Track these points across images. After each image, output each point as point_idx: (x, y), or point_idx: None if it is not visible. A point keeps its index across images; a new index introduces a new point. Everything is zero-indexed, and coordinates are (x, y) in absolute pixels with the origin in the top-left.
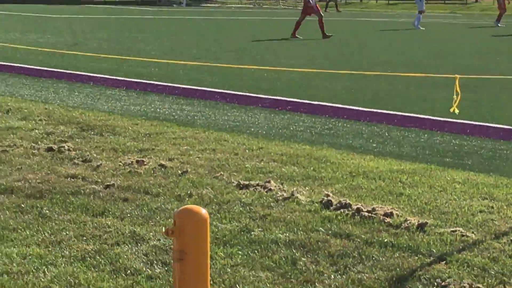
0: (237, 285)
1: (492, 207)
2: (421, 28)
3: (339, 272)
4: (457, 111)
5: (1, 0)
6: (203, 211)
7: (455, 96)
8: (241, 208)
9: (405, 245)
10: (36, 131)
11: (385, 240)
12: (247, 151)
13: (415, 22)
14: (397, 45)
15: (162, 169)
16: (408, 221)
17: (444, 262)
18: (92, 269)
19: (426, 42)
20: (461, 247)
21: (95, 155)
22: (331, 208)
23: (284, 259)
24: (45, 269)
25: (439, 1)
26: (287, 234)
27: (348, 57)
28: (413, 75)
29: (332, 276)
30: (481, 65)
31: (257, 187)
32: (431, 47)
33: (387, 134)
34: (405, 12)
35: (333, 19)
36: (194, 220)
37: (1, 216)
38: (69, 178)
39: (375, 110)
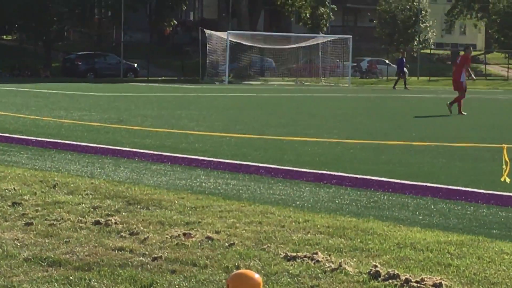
0: None
1: None
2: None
3: None
4: (508, 180)
5: (50, 80)
6: (257, 276)
7: (504, 166)
8: (289, 279)
9: None
10: (83, 205)
11: None
12: (293, 223)
13: None
14: (439, 119)
15: (209, 241)
16: None
17: None
18: None
19: (470, 116)
20: None
21: (142, 228)
22: (380, 279)
23: None
24: None
25: (481, 77)
26: None
27: (396, 130)
28: (458, 145)
29: None
30: None
31: (304, 258)
32: (475, 120)
33: (432, 207)
34: (446, 88)
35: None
36: (248, 284)
37: None
38: (116, 251)
39: (419, 184)
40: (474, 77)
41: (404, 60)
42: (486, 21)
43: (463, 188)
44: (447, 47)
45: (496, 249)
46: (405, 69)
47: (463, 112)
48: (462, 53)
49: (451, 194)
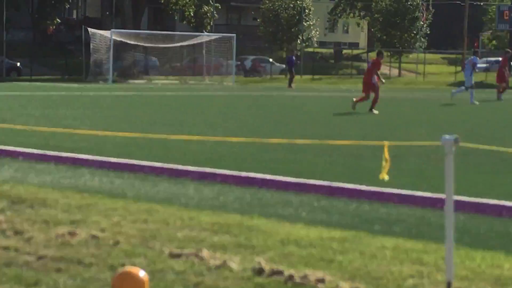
0: None
1: (422, 272)
2: (476, 102)
3: None
4: (386, 177)
5: None
6: (142, 273)
7: (384, 163)
8: (174, 277)
9: None
10: None
11: None
12: (178, 221)
13: (470, 99)
14: (323, 117)
15: (94, 240)
16: (340, 287)
17: None
18: None
19: (352, 113)
20: None
21: (26, 227)
22: (263, 275)
23: None
24: None
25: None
26: None
27: (278, 127)
28: (341, 143)
29: None
30: (408, 135)
31: (189, 255)
32: (357, 118)
33: (315, 204)
34: (329, 87)
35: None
36: (133, 282)
37: None
38: (1, 250)
39: (303, 181)
40: (383, 81)
41: (294, 59)
42: (369, 20)
43: (346, 185)
44: (330, 46)
45: (378, 245)
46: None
47: (374, 111)
48: (373, 56)
49: (334, 191)
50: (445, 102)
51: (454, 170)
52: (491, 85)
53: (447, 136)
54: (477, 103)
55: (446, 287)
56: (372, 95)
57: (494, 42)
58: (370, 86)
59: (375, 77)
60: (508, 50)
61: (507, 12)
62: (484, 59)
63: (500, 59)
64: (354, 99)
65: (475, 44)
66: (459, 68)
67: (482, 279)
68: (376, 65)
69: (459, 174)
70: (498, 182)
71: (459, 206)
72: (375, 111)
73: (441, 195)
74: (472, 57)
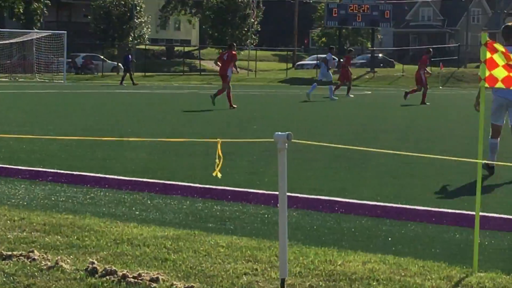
0: None
1: (256, 269)
2: (335, 98)
3: None
4: (219, 175)
5: None
6: None
7: (217, 160)
8: (4, 279)
9: None
10: None
11: None
12: (8, 222)
13: (330, 95)
14: (155, 115)
15: None
16: (175, 286)
17: None
18: None
19: (186, 111)
20: None
21: None
22: (97, 275)
23: None
24: None
25: (195, 72)
26: None
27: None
28: (173, 140)
29: None
30: (241, 132)
31: (20, 257)
32: (191, 115)
33: (149, 202)
34: (161, 84)
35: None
36: None
37: None
38: None
39: (136, 179)
40: (238, 71)
41: (130, 57)
42: (200, 17)
43: (179, 183)
44: (162, 43)
45: (212, 242)
46: (120, 65)
47: (233, 106)
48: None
49: (167, 189)
50: (302, 100)
51: (287, 167)
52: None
53: (279, 133)
54: (336, 98)
55: (280, 284)
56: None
57: (324, 39)
58: (224, 78)
59: (231, 69)
60: (351, 49)
61: (336, 9)
62: (314, 56)
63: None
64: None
65: (305, 41)
66: (290, 65)
67: (315, 275)
68: (231, 56)
69: (293, 170)
70: (330, 178)
71: (293, 203)
72: (234, 106)
73: (275, 192)
74: (327, 54)
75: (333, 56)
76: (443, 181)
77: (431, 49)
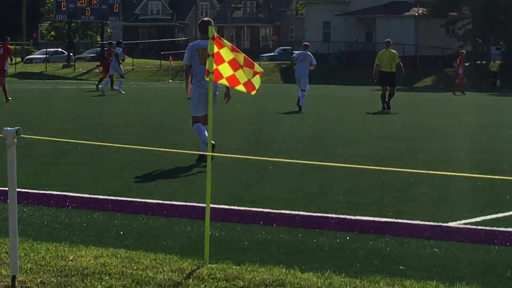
0: None
1: None
2: (122, 92)
3: None
4: None
5: None
6: None
7: None
8: None
9: None
10: None
11: None
12: None
13: (118, 87)
14: None
15: None
16: None
17: None
18: None
19: None
20: None
21: None
22: None
23: None
24: None
25: None
26: None
27: None
28: None
29: None
30: None
31: None
32: None
33: None
34: None
35: None
36: None
37: None
38: None
39: None
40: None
41: None
42: None
43: None
44: None
45: None
46: None
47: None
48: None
49: None
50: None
51: (18, 163)
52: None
53: (8, 128)
54: (123, 92)
55: (11, 281)
56: None
57: (53, 33)
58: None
59: (7, 63)
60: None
61: (64, 3)
62: (43, 50)
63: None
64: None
65: (34, 35)
66: (19, 59)
67: (46, 271)
68: (6, 50)
69: (24, 166)
70: (62, 173)
71: (23, 199)
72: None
73: (4, 188)
74: (116, 48)
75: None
76: (176, 173)
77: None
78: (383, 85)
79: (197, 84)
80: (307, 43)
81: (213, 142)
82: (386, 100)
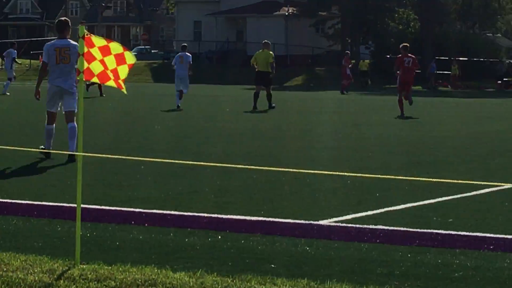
0: None
1: None
2: (8, 93)
3: None
4: None
5: None
6: None
7: None
8: None
9: None
10: None
11: None
12: None
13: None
14: None
15: None
16: None
17: None
18: None
19: None
20: None
21: None
22: None
23: None
24: None
25: None
26: None
27: None
28: None
29: None
30: None
31: None
32: None
33: None
34: None
35: None
36: None
37: None
38: None
39: None
40: None
41: None
42: None
43: None
44: None
45: None
46: None
47: None
48: None
49: None
50: None
51: None
52: None
53: None
54: (8, 94)
55: None
56: None
57: None
58: None
59: None
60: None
61: None
62: None
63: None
64: None
65: None
66: None
67: None
68: None
69: None
70: None
71: None
72: None
73: None
74: (9, 49)
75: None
76: (46, 174)
77: None
78: (258, 85)
79: (52, 82)
80: (185, 44)
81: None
82: (259, 99)
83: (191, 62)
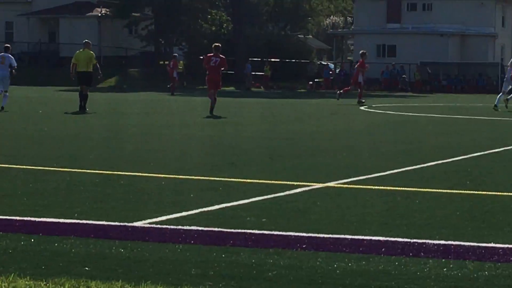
0: None
1: None
2: None
3: None
4: None
5: None
6: None
7: None
8: None
9: None
10: None
11: None
12: None
13: None
14: None
15: None
16: None
17: None
18: None
19: None
20: None
21: None
22: None
23: None
24: None
25: None
26: None
27: None
28: None
29: None
30: None
31: None
32: None
33: None
34: None
35: None
36: None
37: None
38: None
39: None
40: None
41: None
42: None
43: None
44: None
45: None
46: None
47: None
48: None
49: None
50: None
51: None
52: None
53: None
54: None
55: None
56: None
57: None
58: None
59: None
60: None
61: None
62: None
63: None
64: None
65: None
66: None
67: None
68: None
69: None
70: None
71: None
72: None
73: None
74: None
75: None
76: None
77: None
78: (80, 85)
79: None
80: (8, 45)
81: None
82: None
83: (16, 65)
